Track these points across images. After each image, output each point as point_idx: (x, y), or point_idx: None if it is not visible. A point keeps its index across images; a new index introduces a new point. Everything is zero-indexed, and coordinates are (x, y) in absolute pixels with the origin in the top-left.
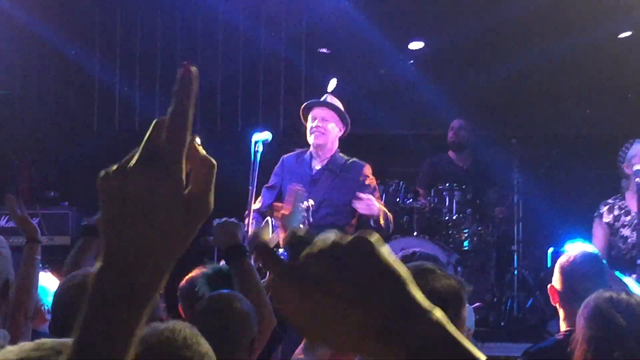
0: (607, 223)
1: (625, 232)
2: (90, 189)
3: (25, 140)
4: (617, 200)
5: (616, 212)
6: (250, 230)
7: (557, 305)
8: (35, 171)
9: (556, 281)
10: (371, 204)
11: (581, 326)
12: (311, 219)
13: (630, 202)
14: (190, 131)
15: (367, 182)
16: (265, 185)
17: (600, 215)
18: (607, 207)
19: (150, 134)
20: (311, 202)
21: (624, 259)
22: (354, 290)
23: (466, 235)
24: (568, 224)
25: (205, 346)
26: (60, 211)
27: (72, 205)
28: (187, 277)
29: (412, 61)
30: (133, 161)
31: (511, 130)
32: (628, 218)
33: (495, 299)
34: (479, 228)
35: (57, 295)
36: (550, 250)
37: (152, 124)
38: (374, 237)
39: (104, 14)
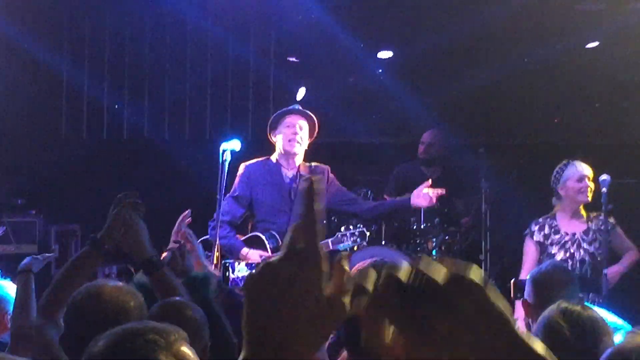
0: (537, 241)
1: (554, 250)
2: (58, 197)
3: None
4: (548, 220)
5: (546, 231)
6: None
7: (530, 321)
8: (3, 178)
9: (528, 294)
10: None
11: (536, 336)
12: (365, 244)
13: (561, 222)
14: (321, 232)
15: (335, 182)
16: (231, 194)
17: (532, 234)
18: (537, 225)
19: (291, 237)
20: (364, 228)
21: None
22: (463, 333)
23: (434, 244)
24: None
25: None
26: (28, 219)
27: (39, 214)
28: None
29: (381, 70)
30: (276, 259)
31: (479, 139)
32: (557, 237)
33: None
34: (447, 237)
35: (71, 306)
36: (513, 280)
37: (292, 229)
38: (477, 276)
39: (73, 20)
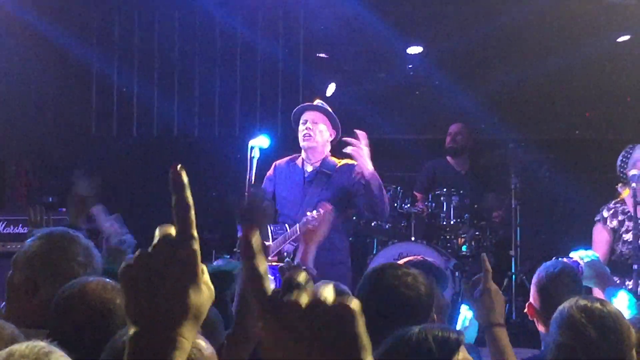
0: (612, 228)
1: (628, 236)
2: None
3: (23, 145)
4: (619, 205)
5: (620, 217)
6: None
7: (535, 321)
8: (34, 176)
9: (534, 299)
10: (363, 155)
11: (553, 331)
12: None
13: (632, 207)
14: (193, 216)
15: (359, 179)
16: None
17: (604, 220)
18: (610, 212)
19: (162, 233)
20: (322, 210)
21: (625, 264)
22: (321, 350)
23: (464, 240)
24: (566, 228)
25: (209, 350)
26: (59, 217)
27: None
28: None
29: (410, 65)
30: (150, 248)
31: (509, 134)
32: (631, 223)
33: None
34: (477, 233)
35: (57, 303)
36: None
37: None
38: (357, 306)
39: (103, 18)
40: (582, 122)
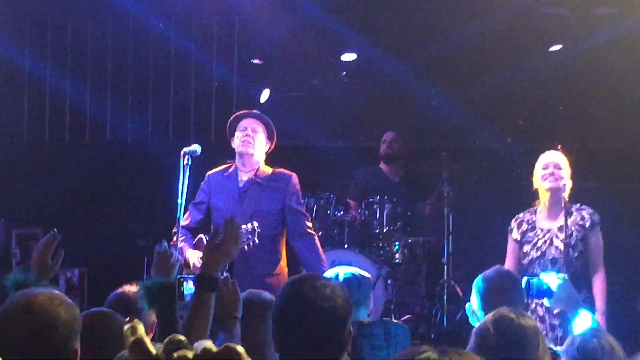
0: (515, 240)
1: (526, 248)
2: (19, 200)
3: None
4: (528, 214)
5: (524, 227)
6: (183, 248)
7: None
8: None
9: (473, 302)
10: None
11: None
12: (257, 240)
13: (539, 216)
14: None
15: (294, 192)
16: (192, 201)
17: (511, 230)
18: (517, 222)
19: None
20: (256, 224)
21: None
22: None
23: (396, 247)
24: (497, 236)
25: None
26: None
27: (0, 216)
28: (115, 292)
29: (344, 72)
30: None
31: (441, 143)
32: (532, 234)
33: (425, 311)
34: (410, 240)
35: (1, 315)
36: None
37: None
38: (242, 349)
39: (36, 24)
40: (514, 130)
